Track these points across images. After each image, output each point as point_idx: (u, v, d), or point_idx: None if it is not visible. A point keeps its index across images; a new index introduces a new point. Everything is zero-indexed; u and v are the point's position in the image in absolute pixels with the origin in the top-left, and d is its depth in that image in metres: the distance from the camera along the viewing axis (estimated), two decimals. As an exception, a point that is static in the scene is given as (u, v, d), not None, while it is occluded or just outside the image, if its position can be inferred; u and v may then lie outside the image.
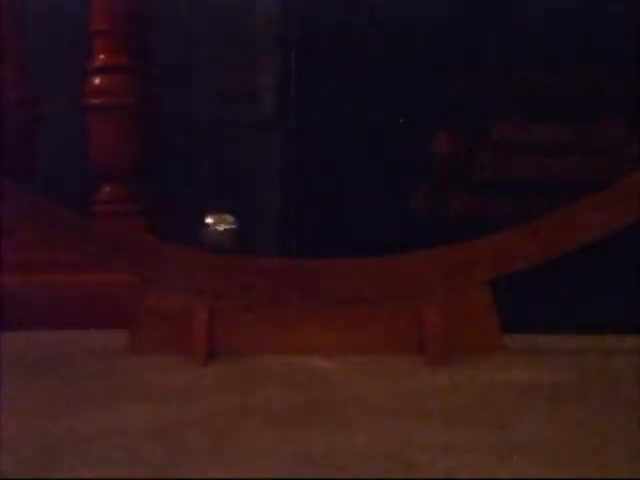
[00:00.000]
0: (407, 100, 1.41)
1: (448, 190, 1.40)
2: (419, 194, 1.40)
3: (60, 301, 1.45)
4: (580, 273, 1.34)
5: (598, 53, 1.39)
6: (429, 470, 0.73)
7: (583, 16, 1.39)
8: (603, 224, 1.21)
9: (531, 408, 0.94)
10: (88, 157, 1.58)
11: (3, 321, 1.35)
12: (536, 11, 1.39)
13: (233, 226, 1.19)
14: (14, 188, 1.22)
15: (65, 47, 1.69)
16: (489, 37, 1.40)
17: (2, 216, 1.20)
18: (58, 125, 1.69)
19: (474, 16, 1.40)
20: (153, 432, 0.84)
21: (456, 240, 1.23)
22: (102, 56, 1.57)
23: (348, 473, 0.72)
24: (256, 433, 0.84)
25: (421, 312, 1.18)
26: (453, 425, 0.86)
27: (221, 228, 1.18)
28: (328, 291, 1.21)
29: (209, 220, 1.19)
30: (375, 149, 1.41)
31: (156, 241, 1.41)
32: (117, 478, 0.71)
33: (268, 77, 1.72)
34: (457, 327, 1.18)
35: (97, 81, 1.56)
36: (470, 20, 1.40)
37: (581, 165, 1.40)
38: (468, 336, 1.19)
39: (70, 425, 0.86)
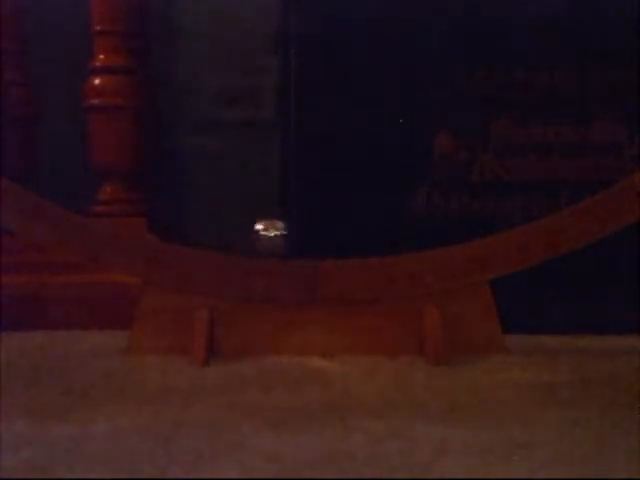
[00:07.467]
0: (407, 100, 1.41)
1: (448, 190, 1.40)
2: (419, 194, 1.40)
3: (60, 301, 1.45)
4: (580, 273, 1.34)
5: (598, 53, 1.39)
6: (429, 470, 0.73)
7: (583, 16, 1.39)
8: (603, 224, 1.21)
9: (531, 408, 0.94)
10: (88, 157, 1.59)
11: (3, 321, 1.35)
12: (536, 10, 1.39)
13: (284, 232, 1.18)
14: (14, 188, 1.22)
15: (65, 47, 1.69)
16: (489, 36, 1.40)
17: (2, 216, 1.20)
18: (58, 125, 1.69)
19: (474, 15, 1.40)
20: (153, 432, 0.84)
21: (456, 240, 1.23)
22: (102, 56, 1.57)
23: (348, 473, 0.72)
24: (256, 433, 0.84)
25: (421, 312, 1.18)
26: (453, 425, 0.86)
27: (271, 234, 1.17)
28: (328, 291, 1.21)
29: (259, 226, 1.18)
30: (375, 149, 1.41)
31: (156, 241, 1.41)
32: (117, 478, 0.71)
33: (268, 77, 1.72)
34: (457, 327, 1.18)
35: (97, 81, 1.56)
36: (470, 19, 1.40)
37: (581, 165, 1.40)
38: (468, 336, 1.19)
39: (70, 425, 0.86)
